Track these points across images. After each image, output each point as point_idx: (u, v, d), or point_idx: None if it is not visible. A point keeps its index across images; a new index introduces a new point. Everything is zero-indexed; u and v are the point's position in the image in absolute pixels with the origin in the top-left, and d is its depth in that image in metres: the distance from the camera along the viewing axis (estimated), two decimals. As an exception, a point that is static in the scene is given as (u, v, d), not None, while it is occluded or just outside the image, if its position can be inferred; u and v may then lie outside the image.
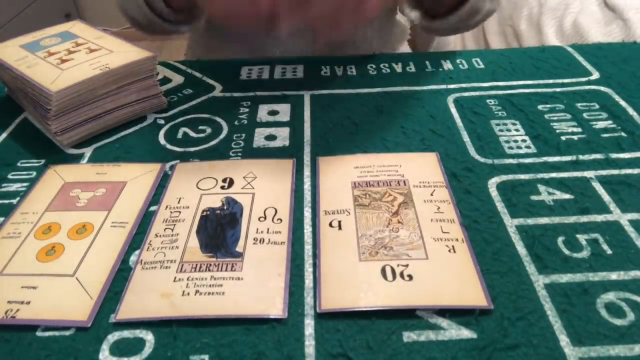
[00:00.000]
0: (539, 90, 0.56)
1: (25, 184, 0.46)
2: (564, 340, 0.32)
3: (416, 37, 1.06)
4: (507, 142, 0.49)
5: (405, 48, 0.82)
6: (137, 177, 0.45)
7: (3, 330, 0.33)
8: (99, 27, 0.59)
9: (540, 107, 0.54)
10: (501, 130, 0.50)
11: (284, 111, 0.55)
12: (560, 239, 0.38)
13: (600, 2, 1.25)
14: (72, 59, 0.52)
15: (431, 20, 0.61)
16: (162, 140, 0.51)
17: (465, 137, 0.49)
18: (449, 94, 0.57)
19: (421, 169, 0.45)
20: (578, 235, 0.38)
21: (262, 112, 0.55)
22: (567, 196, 0.42)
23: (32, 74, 0.49)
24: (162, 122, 0.54)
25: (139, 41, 0.56)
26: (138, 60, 0.51)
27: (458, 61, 0.63)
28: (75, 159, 0.49)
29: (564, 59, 0.62)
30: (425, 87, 0.58)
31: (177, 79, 0.61)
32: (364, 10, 0.46)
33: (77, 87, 0.48)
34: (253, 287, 0.35)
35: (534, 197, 0.42)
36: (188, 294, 0.35)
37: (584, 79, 0.58)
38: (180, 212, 0.41)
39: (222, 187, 0.44)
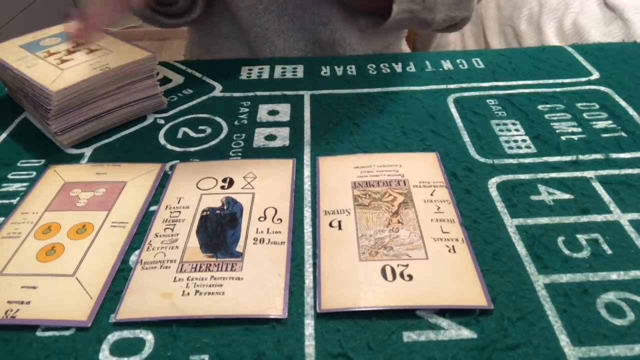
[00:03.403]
0: (539, 90, 0.56)
1: (25, 184, 0.46)
2: (564, 340, 0.32)
3: (416, 37, 1.06)
4: (507, 142, 0.49)
5: (404, 48, 0.82)
6: (137, 177, 0.45)
7: (3, 330, 0.33)
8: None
9: (540, 107, 0.54)
10: (501, 130, 0.50)
11: (284, 111, 0.55)
12: (560, 239, 0.38)
13: (600, 2, 1.25)
14: (72, 59, 0.52)
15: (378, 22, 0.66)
16: (162, 140, 0.51)
17: (465, 137, 0.49)
18: (449, 94, 0.57)
19: (421, 169, 0.45)
20: (578, 235, 0.38)
21: (262, 112, 0.55)
22: (567, 196, 0.42)
23: (32, 74, 0.49)
24: (162, 122, 0.54)
25: (139, 41, 0.56)
26: (138, 60, 0.51)
27: (458, 61, 0.63)
28: (75, 159, 0.49)
29: (564, 59, 0.62)
30: (425, 87, 0.58)
31: (177, 79, 0.61)
32: None
33: (77, 87, 0.48)
34: (253, 287, 0.35)
35: (534, 197, 0.42)
36: (188, 294, 0.35)
37: (584, 79, 0.58)
38: (180, 212, 0.41)
39: (222, 187, 0.44)
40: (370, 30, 0.69)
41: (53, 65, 0.51)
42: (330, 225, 0.40)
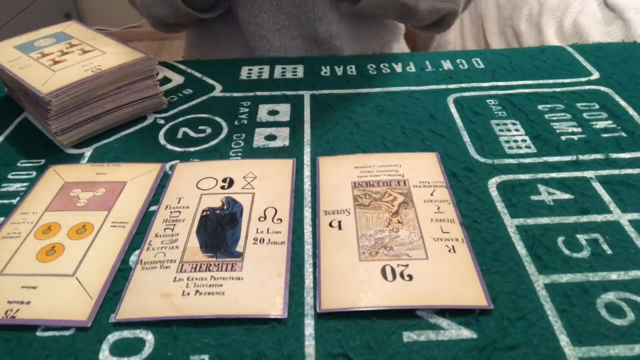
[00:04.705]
0: (539, 90, 0.56)
1: (25, 184, 0.46)
2: (564, 340, 0.32)
3: (416, 37, 1.06)
4: (507, 142, 0.49)
5: (404, 48, 0.82)
6: (137, 177, 0.46)
7: (3, 330, 0.33)
8: (95, 27, 0.59)
9: (540, 107, 0.54)
10: (501, 130, 0.50)
11: (284, 111, 0.55)
12: (560, 239, 0.38)
13: (600, 2, 1.25)
14: (64, 60, 0.52)
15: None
16: (162, 140, 0.51)
17: (465, 137, 0.49)
18: (449, 94, 0.57)
19: (421, 169, 0.45)
20: (578, 235, 0.38)
21: (262, 112, 0.55)
22: (567, 196, 0.42)
23: (24, 76, 0.49)
24: (162, 122, 0.54)
25: (139, 41, 0.56)
26: (130, 62, 0.51)
27: (458, 61, 0.63)
28: (75, 159, 0.49)
29: (564, 59, 0.62)
30: (425, 87, 0.58)
31: (177, 79, 0.61)
32: None
33: (67, 89, 0.47)
34: (253, 287, 0.35)
35: (534, 197, 0.42)
36: (188, 294, 0.35)
37: (584, 79, 0.58)
38: (180, 212, 0.41)
39: (222, 187, 0.44)
40: (350, 11, 0.66)
41: (45, 67, 0.50)
42: (330, 225, 0.40)
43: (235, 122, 0.53)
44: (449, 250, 0.37)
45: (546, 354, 0.31)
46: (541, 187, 0.43)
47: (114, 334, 0.33)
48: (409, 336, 0.32)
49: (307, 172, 0.46)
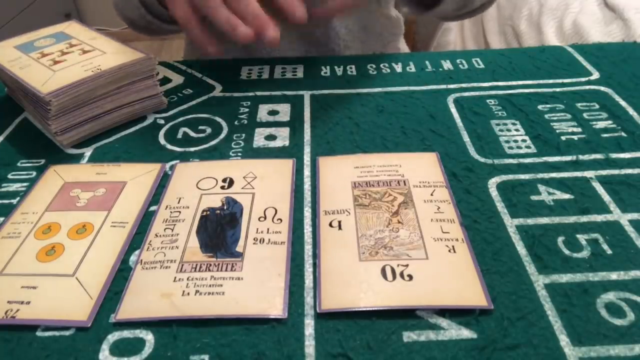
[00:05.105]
0: (539, 90, 0.56)
1: (25, 184, 0.46)
2: (564, 340, 0.32)
3: (416, 37, 1.06)
4: (507, 142, 0.49)
5: (404, 47, 0.82)
6: (137, 177, 0.46)
7: (3, 330, 0.33)
8: (95, 27, 0.59)
9: (540, 107, 0.54)
10: (501, 130, 0.50)
11: (284, 111, 0.55)
12: (560, 239, 0.38)
13: (600, 2, 1.25)
14: (64, 60, 0.52)
15: (424, 11, 0.64)
16: (162, 140, 0.51)
17: (465, 137, 0.49)
18: (449, 94, 0.57)
19: (421, 169, 0.45)
20: (578, 235, 0.38)
21: (262, 112, 0.55)
22: (567, 196, 0.42)
23: (24, 76, 0.49)
24: (162, 122, 0.54)
25: (139, 41, 0.56)
26: (130, 62, 0.51)
27: (458, 61, 0.63)
28: (75, 159, 0.49)
29: (564, 59, 0.62)
30: (425, 87, 0.58)
31: (177, 79, 0.61)
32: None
33: (67, 89, 0.47)
34: (253, 287, 0.35)
35: (534, 197, 0.42)
36: (188, 294, 0.35)
37: (584, 79, 0.58)
38: (180, 212, 0.41)
39: (222, 187, 0.44)
40: (417, 15, 0.68)
41: (45, 67, 0.50)
42: (330, 225, 0.40)
43: (235, 122, 0.53)
44: (449, 250, 0.37)
45: (546, 354, 0.31)
46: (541, 187, 0.43)
47: (114, 334, 0.33)
48: (409, 336, 0.32)
49: (307, 172, 0.46)
